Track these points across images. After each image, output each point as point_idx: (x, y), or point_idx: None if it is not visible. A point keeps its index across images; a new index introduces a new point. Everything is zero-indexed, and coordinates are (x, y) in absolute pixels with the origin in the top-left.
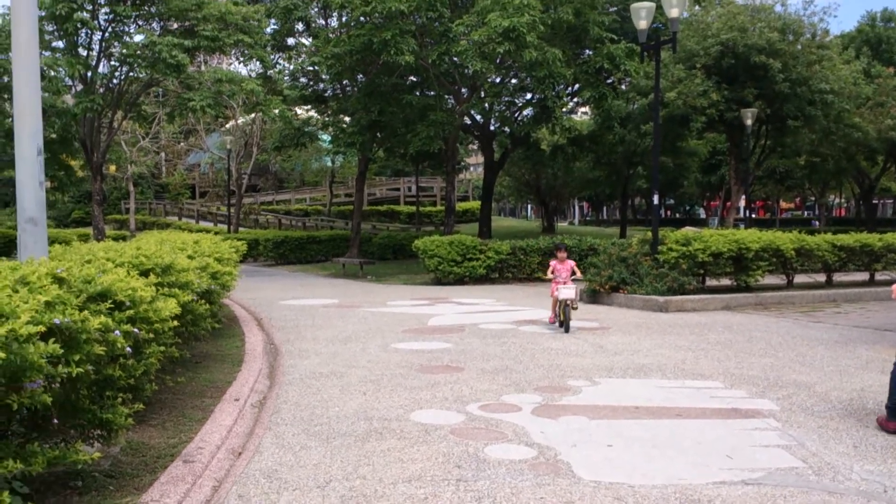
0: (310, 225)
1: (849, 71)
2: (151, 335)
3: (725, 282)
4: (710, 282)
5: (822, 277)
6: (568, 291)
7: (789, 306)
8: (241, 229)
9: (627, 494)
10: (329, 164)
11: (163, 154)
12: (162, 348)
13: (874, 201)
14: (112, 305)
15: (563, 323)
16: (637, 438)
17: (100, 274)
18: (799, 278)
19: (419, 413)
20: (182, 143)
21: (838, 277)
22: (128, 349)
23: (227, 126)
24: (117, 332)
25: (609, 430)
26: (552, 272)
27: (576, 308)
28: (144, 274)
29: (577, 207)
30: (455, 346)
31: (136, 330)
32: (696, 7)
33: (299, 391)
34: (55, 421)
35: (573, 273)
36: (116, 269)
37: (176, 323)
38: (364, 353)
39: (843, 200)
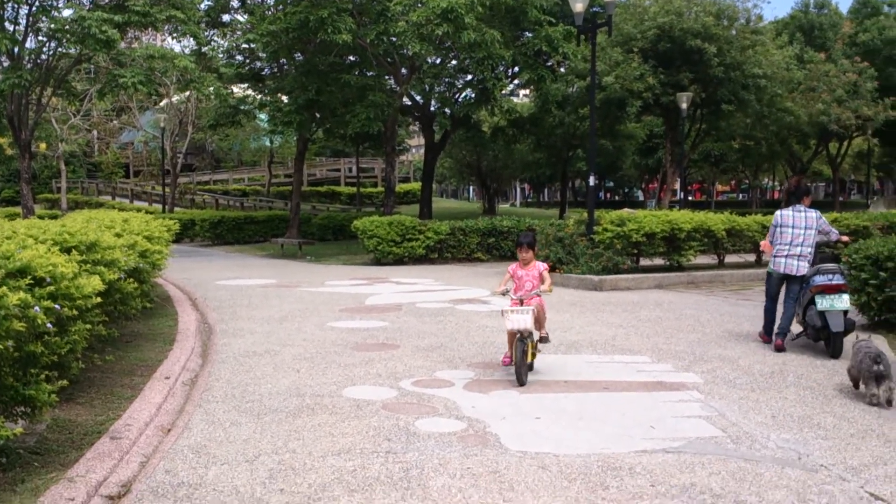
0: (248, 205)
1: (781, 56)
2: (75, 312)
3: (659, 261)
4: (644, 261)
5: (752, 257)
6: (520, 318)
7: (720, 285)
8: (176, 209)
9: (552, 463)
10: (268, 144)
11: (95, 132)
12: (88, 326)
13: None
14: (32, 282)
15: (518, 371)
16: (565, 411)
17: (19, 250)
18: (730, 258)
19: (352, 389)
20: (115, 121)
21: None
22: (49, 325)
23: (161, 104)
24: (37, 308)
25: (538, 403)
26: (505, 285)
27: (539, 343)
28: (67, 251)
29: (518, 189)
30: (391, 324)
31: (57, 306)
32: None
33: (232, 369)
34: None
35: (541, 283)
36: (37, 246)
37: (100, 300)
38: (299, 331)
39: (776, 183)
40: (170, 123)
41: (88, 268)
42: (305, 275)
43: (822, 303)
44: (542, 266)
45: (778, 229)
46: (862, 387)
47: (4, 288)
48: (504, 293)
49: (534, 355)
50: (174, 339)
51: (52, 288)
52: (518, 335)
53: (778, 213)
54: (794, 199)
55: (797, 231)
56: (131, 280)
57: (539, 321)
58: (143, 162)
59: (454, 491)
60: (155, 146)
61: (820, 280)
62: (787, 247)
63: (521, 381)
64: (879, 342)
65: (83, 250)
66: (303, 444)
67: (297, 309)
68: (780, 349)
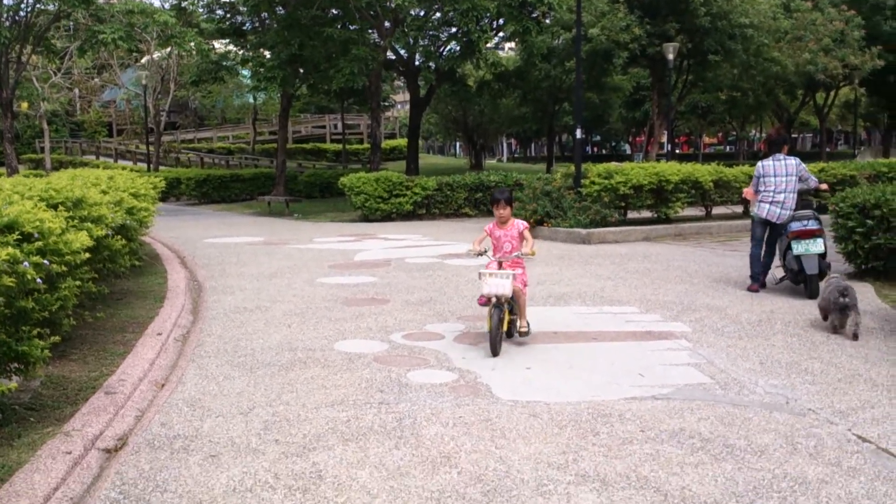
0: (233, 163)
1: (768, 5)
2: (64, 268)
3: (646, 214)
4: (632, 214)
5: (739, 208)
6: (499, 282)
7: (707, 236)
8: (161, 168)
9: (543, 411)
10: (251, 101)
11: (76, 91)
12: (77, 283)
13: (793, 135)
14: (20, 237)
15: (493, 341)
16: (554, 361)
17: (6, 206)
18: (717, 210)
19: (343, 343)
20: (96, 79)
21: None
22: (39, 281)
23: (143, 61)
24: (26, 263)
25: (528, 354)
26: (480, 243)
27: (519, 336)
28: (54, 207)
29: (504, 145)
30: (381, 279)
31: (46, 262)
32: None
33: (223, 325)
34: None
35: (522, 243)
36: (24, 202)
37: (88, 255)
38: (289, 287)
39: (763, 135)
40: (152, 80)
41: (76, 224)
42: (293, 232)
43: (798, 247)
44: (521, 224)
45: (761, 179)
46: (830, 318)
47: None
48: (481, 254)
49: (511, 322)
50: (164, 297)
51: (40, 244)
52: (494, 301)
53: (759, 164)
54: (775, 149)
55: (779, 179)
56: (119, 237)
57: (520, 303)
58: (127, 120)
59: (447, 439)
60: (138, 104)
61: (795, 226)
62: (770, 194)
63: (494, 352)
64: (867, 291)
65: (69, 207)
66: (296, 397)
67: (286, 266)
68: (753, 291)
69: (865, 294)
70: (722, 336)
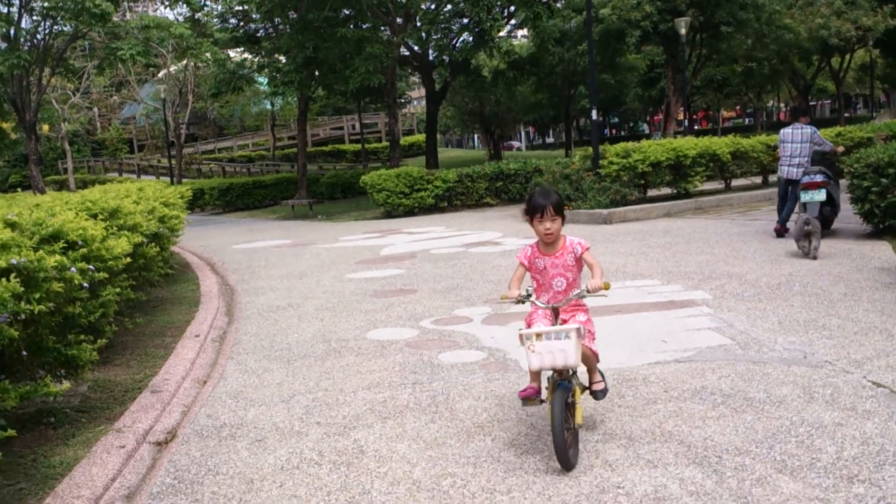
0: (254, 170)
1: None
2: (106, 275)
3: (666, 190)
4: (651, 192)
5: (758, 179)
6: (554, 347)
7: (727, 208)
8: (184, 180)
9: None
10: (269, 107)
11: (95, 109)
12: (118, 290)
13: (811, 102)
14: (65, 245)
15: (558, 442)
16: None
17: (49, 217)
18: (736, 182)
19: (375, 332)
20: (114, 97)
21: (775, 178)
22: (85, 285)
23: (160, 75)
24: (73, 269)
25: None
26: (519, 283)
27: (592, 396)
28: (93, 217)
29: (522, 133)
30: (407, 271)
31: (91, 267)
32: None
33: (258, 324)
34: (24, 353)
35: (580, 273)
36: (66, 212)
37: (129, 260)
38: (319, 285)
39: (781, 104)
40: (170, 94)
41: (114, 232)
42: (318, 233)
43: (804, 196)
44: (579, 245)
45: (782, 144)
46: (799, 244)
47: (41, 252)
48: (521, 301)
49: (579, 410)
50: (198, 301)
51: (84, 250)
52: (553, 376)
53: (781, 131)
54: (794, 118)
55: (795, 145)
56: (153, 245)
57: (587, 355)
58: (147, 135)
59: (479, 411)
60: (157, 118)
61: (805, 179)
62: (787, 157)
63: (564, 464)
64: (884, 248)
65: (106, 217)
66: (333, 383)
67: (314, 265)
68: (778, 234)
69: (883, 252)
70: (742, 300)
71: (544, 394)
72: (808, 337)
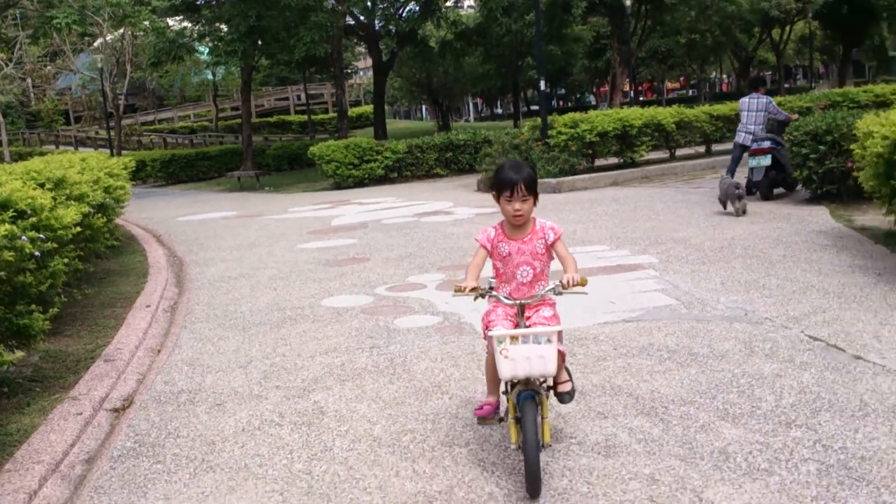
0: (197, 142)
1: None
2: (55, 245)
3: (613, 160)
4: (599, 161)
5: (702, 148)
6: (532, 353)
7: (672, 177)
8: (123, 152)
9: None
10: (210, 77)
11: (29, 80)
12: (66, 260)
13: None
14: (14, 214)
15: (529, 461)
16: None
17: None
18: (681, 152)
19: (330, 299)
20: (49, 67)
21: (717, 147)
22: (36, 254)
23: (96, 44)
24: (24, 237)
25: None
26: (477, 271)
27: (557, 400)
28: (40, 186)
29: (470, 105)
30: (360, 240)
31: (42, 236)
32: None
33: (210, 294)
34: None
35: (550, 259)
36: (13, 181)
37: (78, 229)
38: (270, 255)
39: (724, 76)
40: (107, 64)
41: (63, 201)
42: (266, 204)
43: (752, 161)
44: (551, 231)
45: (740, 113)
46: (728, 205)
47: None
48: (482, 294)
49: (547, 426)
50: (146, 273)
51: (33, 219)
52: (520, 387)
53: (741, 100)
54: (751, 89)
55: (751, 113)
56: (99, 215)
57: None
58: (84, 106)
59: (436, 371)
60: (94, 89)
61: (753, 146)
62: (743, 125)
63: (532, 491)
64: (821, 213)
65: (52, 186)
66: (290, 349)
67: (263, 236)
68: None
69: (820, 216)
70: (686, 263)
71: (503, 408)
72: (749, 296)
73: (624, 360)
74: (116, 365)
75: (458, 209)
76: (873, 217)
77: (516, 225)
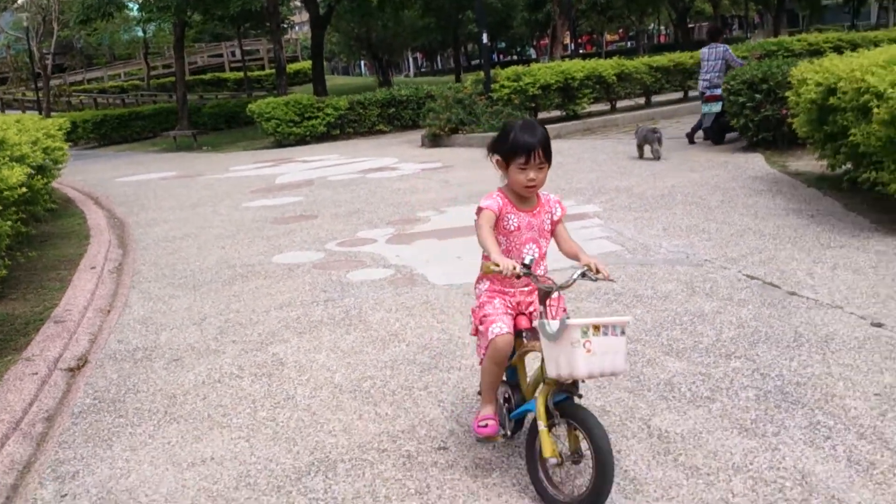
0: (129, 101)
1: None
2: (0, 206)
3: (556, 113)
4: (542, 114)
5: (642, 100)
6: (609, 345)
7: (613, 129)
8: (53, 114)
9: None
10: (141, 34)
11: None
12: (9, 223)
13: (690, 25)
14: None
15: (601, 468)
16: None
17: None
18: (622, 104)
19: (280, 256)
20: None
21: (657, 98)
22: None
23: (20, 2)
24: None
25: (457, 246)
26: (489, 226)
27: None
28: None
29: (410, 60)
30: (306, 198)
31: None
32: None
33: (156, 254)
34: None
35: (548, 239)
36: None
37: (24, 190)
38: (215, 214)
39: (662, 28)
40: (33, 22)
41: (6, 162)
42: (206, 164)
43: (704, 107)
44: (557, 205)
45: (701, 62)
46: (645, 149)
47: None
48: (527, 270)
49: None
50: (88, 235)
51: None
52: (546, 384)
53: (701, 50)
54: (710, 39)
55: (709, 62)
56: (39, 177)
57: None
58: (9, 67)
59: (392, 321)
60: (20, 49)
61: (707, 93)
62: (703, 73)
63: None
64: (757, 159)
65: None
66: (244, 305)
67: (206, 195)
68: (689, 140)
69: (756, 162)
70: (630, 211)
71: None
72: (690, 240)
73: (573, 303)
74: (67, 326)
75: (403, 165)
76: (807, 162)
77: (524, 197)
